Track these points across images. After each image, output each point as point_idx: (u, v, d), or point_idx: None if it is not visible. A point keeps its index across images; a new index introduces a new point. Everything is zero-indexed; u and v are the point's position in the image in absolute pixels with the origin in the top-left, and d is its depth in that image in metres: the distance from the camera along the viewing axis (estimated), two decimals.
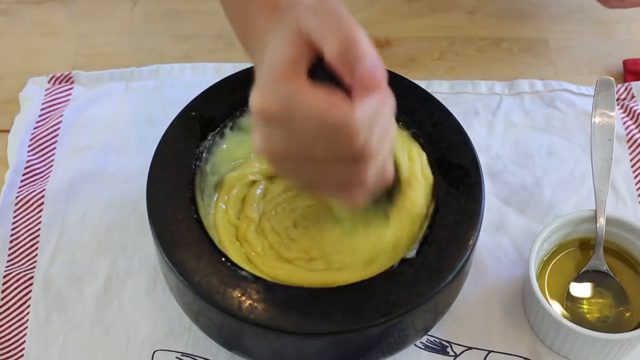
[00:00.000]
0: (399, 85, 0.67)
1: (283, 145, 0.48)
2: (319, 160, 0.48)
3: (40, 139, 0.78)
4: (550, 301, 0.64)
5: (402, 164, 0.62)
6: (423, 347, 0.66)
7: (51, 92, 0.82)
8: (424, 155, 0.63)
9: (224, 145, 0.65)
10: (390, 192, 0.59)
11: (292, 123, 0.46)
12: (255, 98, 0.46)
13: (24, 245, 0.71)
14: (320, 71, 0.46)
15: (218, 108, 0.65)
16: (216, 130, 0.64)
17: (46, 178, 0.76)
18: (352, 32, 0.44)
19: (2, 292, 0.69)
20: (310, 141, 0.46)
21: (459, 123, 0.65)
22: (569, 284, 0.66)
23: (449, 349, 0.65)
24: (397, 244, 0.60)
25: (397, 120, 0.65)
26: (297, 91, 0.45)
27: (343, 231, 0.61)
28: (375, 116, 0.46)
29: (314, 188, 0.53)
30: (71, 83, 0.83)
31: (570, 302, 0.65)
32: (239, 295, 0.56)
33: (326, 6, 0.46)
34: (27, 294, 0.68)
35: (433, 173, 0.62)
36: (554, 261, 0.68)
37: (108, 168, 0.76)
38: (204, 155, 0.63)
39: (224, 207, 0.63)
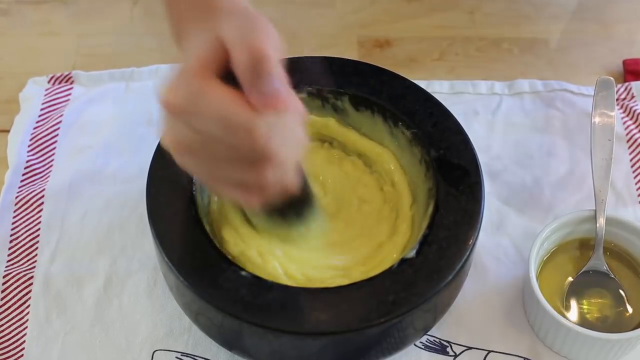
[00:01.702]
0: (399, 85, 0.67)
1: (186, 140, 0.49)
2: (219, 158, 0.49)
3: (40, 139, 0.78)
4: (550, 301, 0.64)
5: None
6: (423, 347, 0.66)
7: (51, 92, 0.82)
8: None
9: None
10: (298, 208, 0.60)
11: (196, 119, 0.47)
12: (163, 91, 0.48)
13: (23, 245, 0.71)
14: (231, 78, 0.47)
15: None
16: None
17: (46, 178, 0.76)
18: (263, 49, 0.45)
19: (2, 292, 0.69)
20: (211, 138, 0.47)
21: (459, 123, 0.65)
22: (569, 283, 0.66)
23: (449, 349, 0.65)
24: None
25: (397, 120, 0.65)
26: (204, 88, 0.46)
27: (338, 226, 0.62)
28: (277, 124, 0.47)
29: (214, 185, 0.54)
30: (71, 83, 0.83)
31: (570, 302, 0.65)
32: (239, 295, 0.56)
33: (248, 18, 0.47)
34: (27, 294, 0.68)
35: (432, 173, 0.62)
36: (553, 261, 0.68)
37: (108, 168, 0.76)
38: None
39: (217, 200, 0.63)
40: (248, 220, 0.62)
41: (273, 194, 0.52)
